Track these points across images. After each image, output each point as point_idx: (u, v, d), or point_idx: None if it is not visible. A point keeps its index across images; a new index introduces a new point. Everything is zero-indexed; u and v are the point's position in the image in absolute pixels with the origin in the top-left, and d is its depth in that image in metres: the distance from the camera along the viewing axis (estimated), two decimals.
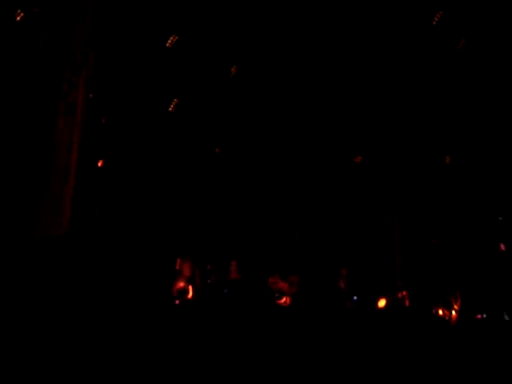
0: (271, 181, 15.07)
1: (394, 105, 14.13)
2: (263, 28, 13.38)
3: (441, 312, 11.34)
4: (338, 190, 14.84)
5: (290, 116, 14.68)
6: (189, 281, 12.32)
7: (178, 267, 12.51)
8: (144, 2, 12.67)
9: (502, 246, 13.81)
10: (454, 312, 11.10)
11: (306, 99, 14.47)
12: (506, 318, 11.65)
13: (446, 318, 11.10)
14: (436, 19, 13.34)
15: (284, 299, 12.48)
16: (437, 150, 14.36)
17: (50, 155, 10.26)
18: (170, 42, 12.89)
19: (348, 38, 13.66)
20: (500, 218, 14.06)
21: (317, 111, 14.52)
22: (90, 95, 10.98)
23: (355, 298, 12.99)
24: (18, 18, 10.91)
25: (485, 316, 11.39)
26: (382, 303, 12.76)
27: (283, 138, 14.88)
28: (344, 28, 13.58)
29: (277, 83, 14.28)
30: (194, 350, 7.99)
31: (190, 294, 12.20)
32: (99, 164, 12.36)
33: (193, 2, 13.00)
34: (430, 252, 13.95)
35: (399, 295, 13.11)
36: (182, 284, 12.25)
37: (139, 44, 13.01)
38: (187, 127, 13.86)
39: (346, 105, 14.37)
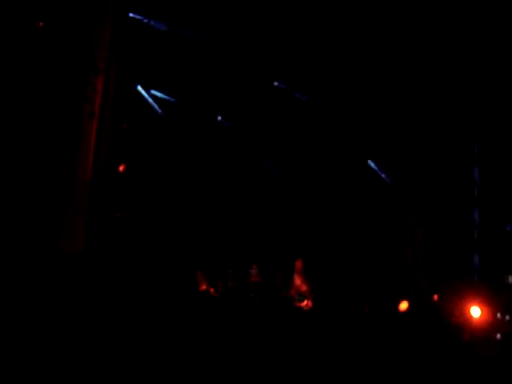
0: (289, 184, 15.09)
1: (407, 108, 14.09)
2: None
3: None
4: (355, 195, 14.82)
5: (305, 124, 14.70)
6: (210, 284, 12.39)
7: (199, 272, 12.59)
8: (163, 7, 12.75)
9: None
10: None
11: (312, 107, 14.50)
12: None
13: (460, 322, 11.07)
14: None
15: (305, 302, 12.48)
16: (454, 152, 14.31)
17: (74, 161, 10.35)
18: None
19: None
20: None
21: (329, 114, 14.53)
22: (110, 100, 11.06)
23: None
24: (41, 24, 11.02)
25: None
26: (403, 306, 12.72)
27: (294, 144, 14.91)
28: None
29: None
30: (216, 351, 8.01)
31: (212, 296, 12.26)
32: (121, 169, 12.44)
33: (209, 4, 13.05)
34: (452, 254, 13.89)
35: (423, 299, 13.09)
36: (204, 287, 12.32)
37: (159, 50, 13.10)
38: (209, 132, 13.92)
39: (359, 108, 14.35)
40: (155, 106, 13.74)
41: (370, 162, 14.91)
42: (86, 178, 10.45)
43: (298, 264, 12.71)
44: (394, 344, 9.19)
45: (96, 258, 10.60)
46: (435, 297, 12.81)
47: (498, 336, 9.95)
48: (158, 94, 13.89)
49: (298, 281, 12.68)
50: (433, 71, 13.49)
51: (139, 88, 13.28)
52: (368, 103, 14.22)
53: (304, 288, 12.72)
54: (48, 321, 7.81)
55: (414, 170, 14.20)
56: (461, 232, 14.14)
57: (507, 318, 10.96)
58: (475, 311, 10.93)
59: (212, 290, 12.26)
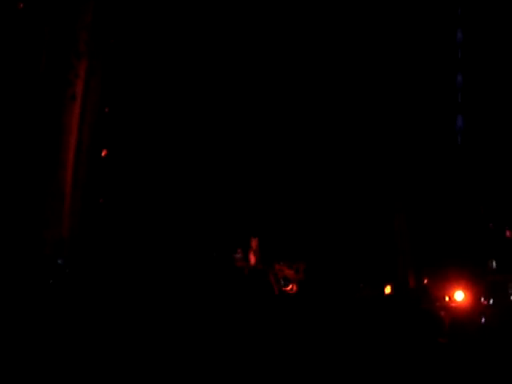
0: (277, 171, 15.07)
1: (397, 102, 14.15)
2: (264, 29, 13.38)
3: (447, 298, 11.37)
4: (346, 181, 14.84)
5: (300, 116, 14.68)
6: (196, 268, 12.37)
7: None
8: None
9: (508, 233, 13.80)
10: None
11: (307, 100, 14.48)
12: None
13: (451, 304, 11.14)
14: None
15: (290, 286, 12.50)
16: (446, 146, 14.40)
17: (56, 145, 10.27)
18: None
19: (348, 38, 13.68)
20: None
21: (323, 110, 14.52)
22: (93, 84, 10.97)
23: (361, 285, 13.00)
24: (21, 6, 10.89)
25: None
26: (387, 290, 12.77)
27: (291, 137, 14.89)
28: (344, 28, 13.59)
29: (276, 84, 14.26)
30: (203, 336, 8.03)
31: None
32: (103, 154, 12.34)
33: None
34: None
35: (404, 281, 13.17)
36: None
37: (142, 33, 12.97)
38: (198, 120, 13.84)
39: (350, 102, 14.38)
40: None
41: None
42: (69, 162, 10.36)
43: (254, 243, 12.78)
44: (379, 328, 9.24)
45: (82, 243, 10.57)
46: (420, 281, 12.90)
47: (482, 320, 10.02)
48: None
49: (252, 259, 12.77)
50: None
51: None
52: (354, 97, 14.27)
53: (288, 272, 12.76)
54: (35, 308, 7.80)
55: (398, 159, 14.29)
56: (445, 217, 14.22)
57: (491, 302, 11.04)
58: (459, 295, 11.01)
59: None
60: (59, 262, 9.38)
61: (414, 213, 14.02)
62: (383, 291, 12.54)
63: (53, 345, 7.11)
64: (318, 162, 14.76)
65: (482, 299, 11.17)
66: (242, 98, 14.13)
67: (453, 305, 10.86)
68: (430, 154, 14.15)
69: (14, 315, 7.49)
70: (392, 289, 12.50)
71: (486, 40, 14.02)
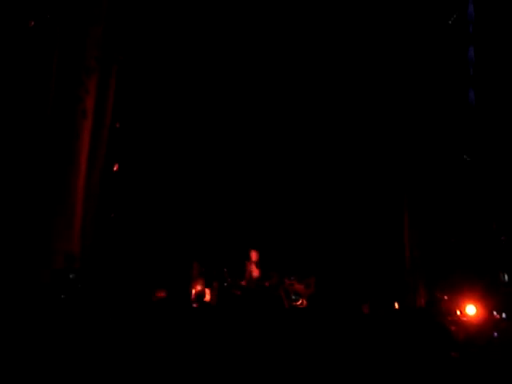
0: (284, 181, 15.06)
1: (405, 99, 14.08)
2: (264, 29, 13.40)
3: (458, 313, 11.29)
4: (352, 190, 14.81)
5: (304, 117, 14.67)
6: (206, 284, 12.36)
7: (194, 271, 12.57)
8: (155, 7, 12.68)
9: None
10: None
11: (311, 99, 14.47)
12: None
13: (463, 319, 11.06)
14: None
15: (300, 301, 12.48)
16: (454, 146, 14.31)
17: (65, 159, 10.30)
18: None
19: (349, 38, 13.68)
20: None
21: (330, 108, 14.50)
22: (103, 100, 11.03)
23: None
24: (33, 24, 10.98)
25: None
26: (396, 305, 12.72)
27: (296, 140, 14.87)
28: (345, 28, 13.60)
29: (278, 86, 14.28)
30: (212, 351, 8.00)
31: (208, 297, 12.23)
32: (114, 168, 12.39)
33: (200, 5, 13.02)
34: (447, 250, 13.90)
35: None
36: (199, 287, 12.29)
37: (151, 49, 13.04)
38: (203, 131, 13.87)
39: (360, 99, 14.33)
40: None
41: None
42: (80, 177, 10.40)
43: (253, 255, 12.76)
44: (390, 343, 9.19)
45: (94, 257, 10.59)
46: (431, 295, 12.83)
47: (495, 334, 9.95)
48: None
49: (255, 272, 12.75)
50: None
51: None
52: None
53: (298, 287, 12.75)
54: (41, 319, 7.78)
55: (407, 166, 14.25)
56: (457, 230, 14.15)
57: (504, 315, 10.97)
58: (471, 309, 10.93)
59: (207, 291, 12.24)
60: (71, 276, 9.37)
61: (425, 225, 13.97)
62: (393, 305, 12.50)
63: (65, 360, 7.10)
64: (328, 173, 14.77)
65: (495, 313, 11.10)
66: (246, 107, 14.17)
67: (464, 319, 10.79)
68: (443, 166, 14.10)
69: (25, 329, 7.49)
70: (398, 305, 12.48)
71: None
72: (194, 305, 11.81)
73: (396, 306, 12.42)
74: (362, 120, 14.43)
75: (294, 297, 12.50)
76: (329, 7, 13.68)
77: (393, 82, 13.97)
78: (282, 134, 14.62)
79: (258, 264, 12.93)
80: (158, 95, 13.21)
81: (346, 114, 14.43)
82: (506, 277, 12.80)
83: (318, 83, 14.34)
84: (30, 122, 10.70)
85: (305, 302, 12.68)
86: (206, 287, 12.23)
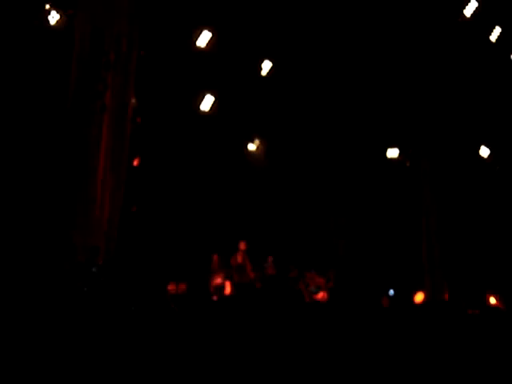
0: (305, 177, 15.05)
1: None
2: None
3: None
4: (374, 188, 14.77)
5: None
6: (226, 277, 12.43)
7: (215, 264, 12.64)
8: (177, 2, 12.72)
9: None
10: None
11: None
12: None
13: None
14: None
15: (321, 294, 12.50)
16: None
17: (85, 154, 10.37)
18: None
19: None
20: None
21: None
22: (126, 95, 11.07)
23: (391, 291, 12.94)
24: (53, 21, 11.10)
25: None
26: (419, 298, 12.68)
27: (315, 140, 14.85)
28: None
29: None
30: (232, 344, 8.03)
31: (228, 290, 12.30)
32: (135, 163, 12.47)
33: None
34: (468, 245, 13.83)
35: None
36: (219, 280, 12.36)
37: (172, 44, 13.08)
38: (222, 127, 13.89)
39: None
40: None
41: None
42: (100, 171, 10.47)
43: (242, 245, 12.75)
44: (410, 336, 9.15)
45: (117, 251, 10.67)
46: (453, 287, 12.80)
47: None
48: None
49: (240, 260, 12.75)
50: None
51: None
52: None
53: (319, 280, 12.77)
54: (62, 312, 7.86)
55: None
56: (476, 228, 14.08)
57: None
58: (491, 301, 10.91)
59: (227, 283, 12.31)
60: (93, 269, 9.47)
61: (443, 221, 13.92)
62: (412, 298, 12.47)
63: (86, 353, 7.17)
64: (348, 170, 14.74)
65: None
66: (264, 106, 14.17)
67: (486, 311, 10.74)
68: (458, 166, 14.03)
69: (47, 321, 7.57)
70: (424, 296, 12.42)
71: None
72: (214, 297, 11.91)
73: (421, 297, 12.38)
74: (379, 116, 14.38)
75: (314, 289, 12.53)
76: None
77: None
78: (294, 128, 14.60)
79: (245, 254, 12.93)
80: (178, 89, 13.25)
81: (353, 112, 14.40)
82: None
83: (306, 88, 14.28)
84: (51, 117, 10.81)
85: (326, 295, 12.70)
86: (226, 280, 12.32)
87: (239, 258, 12.64)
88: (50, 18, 11.16)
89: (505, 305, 11.34)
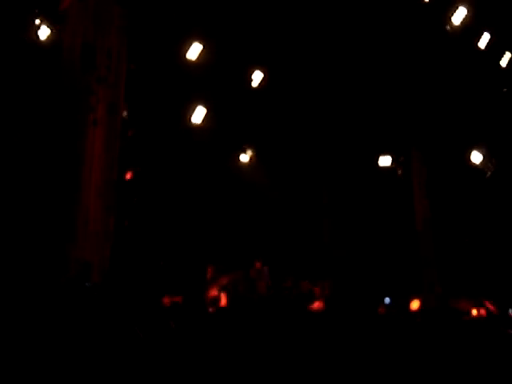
0: (298, 184, 15.07)
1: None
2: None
3: (475, 312, 11.23)
4: (367, 192, 14.80)
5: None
6: (222, 289, 12.39)
7: (210, 276, 12.61)
8: (166, 15, 12.74)
9: None
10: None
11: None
12: None
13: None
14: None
15: (317, 303, 12.46)
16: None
17: (78, 168, 10.36)
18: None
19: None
20: None
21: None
22: (117, 108, 11.08)
23: (387, 299, 12.91)
24: (43, 35, 11.11)
25: None
26: (415, 305, 12.66)
27: (308, 141, 14.87)
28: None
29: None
30: (228, 356, 8.01)
31: (223, 302, 12.26)
32: (128, 176, 12.46)
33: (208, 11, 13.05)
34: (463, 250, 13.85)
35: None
36: (215, 292, 12.32)
37: (162, 57, 13.11)
38: (213, 137, 13.89)
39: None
40: None
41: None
42: (93, 185, 10.45)
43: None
44: (407, 344, 9.15)
45: (111, 266, 10.64)
46: (446, 296, 12.80)
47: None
48: None
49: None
50: None
51: None
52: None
53: (314, 290, 12.74)
54: (56, 327, 7.82)
55: None
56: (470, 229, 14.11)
57: None
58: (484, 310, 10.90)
59: (223, 295, 12.27)
60: (87, 284, 9.42)
61: (438, 226, 13.94)
62: (409, 306, 12.45)
63: (78, 372, 7.14)
64: (339, 175, 14.76)
65: (511, 311, 11.06)
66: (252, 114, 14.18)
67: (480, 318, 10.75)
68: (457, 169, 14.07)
69: (37, 336, 7.53)
70: (420, 303, 12.40)
71: None
72: (210, 309, 11.86)
73: (417, 304, 12.35)
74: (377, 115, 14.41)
75: (309, 299, 12.50)
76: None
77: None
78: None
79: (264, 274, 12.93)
80: (169, 103, 13.28)
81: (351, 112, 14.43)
82: None
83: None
84: (41, 130, 10.79)
85: (322, 304, 12.66)
86: (222, 292, 12.27)
87: (252, 273, 12.73)
88: (39, 32, 11.20)
89: (499, 310, 11.34)
